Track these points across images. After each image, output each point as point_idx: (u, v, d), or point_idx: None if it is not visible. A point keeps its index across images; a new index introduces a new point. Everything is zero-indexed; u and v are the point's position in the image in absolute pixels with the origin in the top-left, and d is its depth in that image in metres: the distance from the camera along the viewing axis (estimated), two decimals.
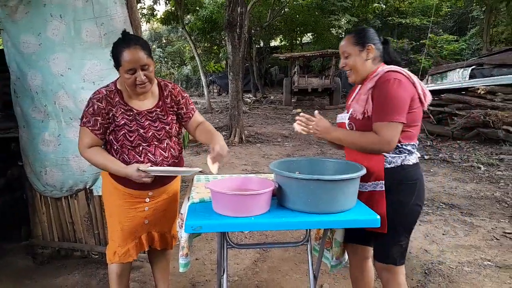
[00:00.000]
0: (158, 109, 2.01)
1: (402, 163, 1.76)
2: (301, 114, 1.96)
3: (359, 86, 1.94)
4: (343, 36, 22.78)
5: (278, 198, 1.73)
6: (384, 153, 1.75)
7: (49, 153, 2.83)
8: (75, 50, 2.65)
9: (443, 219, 3.95)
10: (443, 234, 3.60)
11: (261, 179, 1.83)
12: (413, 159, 1.80)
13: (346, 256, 2.12)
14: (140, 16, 15.37)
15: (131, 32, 2.61)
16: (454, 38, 16.47)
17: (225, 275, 1.90)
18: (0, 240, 3.38)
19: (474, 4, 17.58)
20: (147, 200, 2.07)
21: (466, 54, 15.73)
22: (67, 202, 3.01)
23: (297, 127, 1.96)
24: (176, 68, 26.50)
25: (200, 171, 2.00)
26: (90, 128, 1.92)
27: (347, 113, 1.90)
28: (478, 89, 8.21)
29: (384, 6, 17.38)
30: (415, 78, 1.76)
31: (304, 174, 1.71)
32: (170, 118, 2.03)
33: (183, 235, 1.78)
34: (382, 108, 1.70)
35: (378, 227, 1.66)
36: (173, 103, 2.06)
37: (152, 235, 2.19)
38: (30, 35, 2.68)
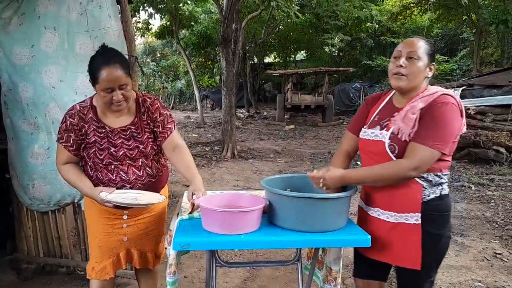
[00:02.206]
0: (133, 127, 1.92)
1: (441, 193, 1.64)
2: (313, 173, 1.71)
3: (389, 97, 1.79)
4: (336, 54, 23.21)
5: (269, 216, 1.71)
6: (424, 184, 1.61)
7: (37, 165, 2.79)
8: (68, 63, 2.65)
9: None
10: None
11: (252, 196, 1.81)
12: (447, 188, 1.69)
13: (339, 287, 1.94)
14: (135, 30, 15.45)
15: (125, 46, 2.62)
16: (445, 58, 16.75)
17: None
18: None
19: (465, 26, 17.97)
20: (125, 217, 2.01)
21: (457, 75, 16.00)
22: (54, 217, 2.95)
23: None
24: (170, 82, 26.52)
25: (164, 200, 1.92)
26: (63, 144, 1.90)
27: (385, 130, 1.67)
28: (469, 109, 8.31)
29: (376, 26, 17.67)
30: (462, 106, 1.62)
31: (296, 191, 1.69)
32: (145, 136, 1.94)
33: (171, 252, 1.74)
34: (429, 130, 1.53)
35: (411, 264, 1.60)
36: (149, 120, 1.95)
37: (132, 253, 2.11)
38: (23, 47, 2.67)
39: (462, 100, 8.85)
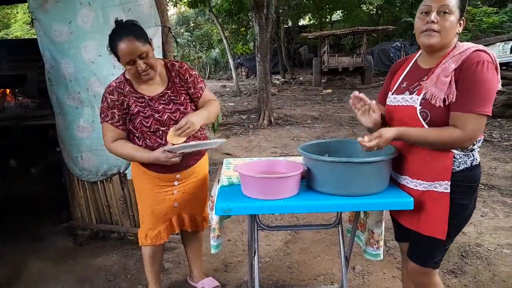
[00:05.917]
0: (169, 91, 2.01)
1: (472, 164, 1.55)
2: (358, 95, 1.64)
3: (414, 60, 1.70)
4: (374, 12, 22.13)
5: (307, 181, 1.71)
6: (455, 152, 1.52)
7: (84, 138, 2.93)
8: (104, 37, 2.65)
9: (481, 200, 3.81)
10: (481, 215, 3.47)
11: (289, 162, 1.81)
12: (478, 158, 1.59)
13: (381, 249, 1.96)
14: (167, 0, 15.42)
15: (158, 17, 2.62)
16: (493, 10, 15.52)
17: (256, 256, 1.92)
18: (43, 222, 3.56)
19: None
20: (176, 183, 2.11)
21: (507, 27, 14.82)
22: (102, 186, 3.11)
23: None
24: (204, 52, 26.55)
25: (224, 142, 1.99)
26: (109, 122, 1.94)
27: (416, 95, 1.57)
28: None
29: None
30: (497, 61, 1.50)
31: (334, 156, 1.67)
32: (183, 98, 2.03)
33: (213, 217, 1.80)
34: (472, 96, 1.43)
35: (436, 233, 1.54)
36: (182, 82, 2.05)
37: (182, 217, 2.23)
38: (62, 24, 2.75)
39: None
